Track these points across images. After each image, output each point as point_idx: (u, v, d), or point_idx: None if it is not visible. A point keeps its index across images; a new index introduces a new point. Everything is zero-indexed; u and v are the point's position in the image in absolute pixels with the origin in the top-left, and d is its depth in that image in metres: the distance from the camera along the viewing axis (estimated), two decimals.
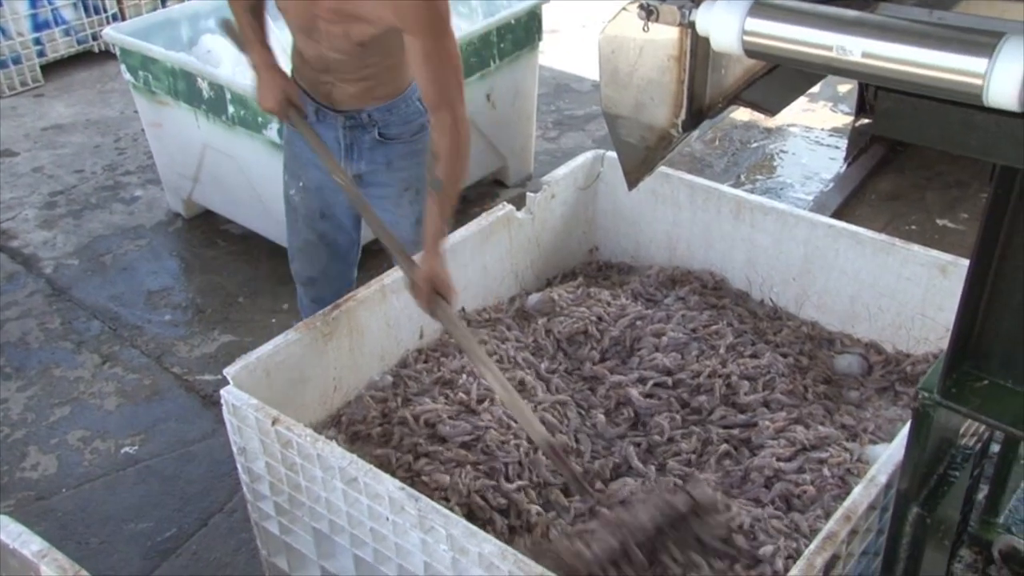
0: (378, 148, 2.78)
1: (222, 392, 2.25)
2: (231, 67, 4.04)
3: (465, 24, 4.40)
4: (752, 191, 4.73)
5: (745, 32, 1.16)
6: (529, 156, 4.89)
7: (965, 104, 1.19)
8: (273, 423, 2.16)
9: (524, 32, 4.35)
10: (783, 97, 1.32)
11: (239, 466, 2.35)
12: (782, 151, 5.29)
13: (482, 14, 4.63)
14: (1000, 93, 1.02)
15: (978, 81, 1.03)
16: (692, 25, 1.22)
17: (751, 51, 1.15)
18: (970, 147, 1.27)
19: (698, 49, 1.24)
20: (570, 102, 5.76)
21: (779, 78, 1.25)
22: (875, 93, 1.23)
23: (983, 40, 1.03)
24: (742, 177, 5.01)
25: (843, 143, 5.25)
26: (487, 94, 4.33)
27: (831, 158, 5.17)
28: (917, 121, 1.27)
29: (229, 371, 2.31)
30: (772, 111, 1.31)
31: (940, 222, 4.57)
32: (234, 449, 2.33)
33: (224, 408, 2.27)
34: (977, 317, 1.56)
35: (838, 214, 4.45)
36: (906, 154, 5.06)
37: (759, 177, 5.05)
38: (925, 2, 1.19)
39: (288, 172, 2.96)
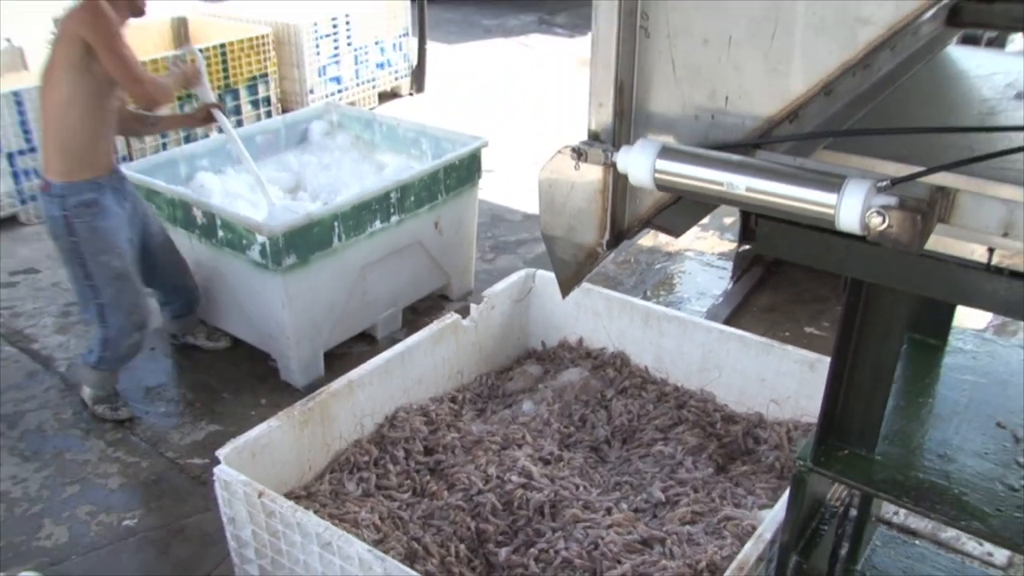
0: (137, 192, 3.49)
1: (215, 470, 2.26)
2: (220, 199, 4.10)
3: (417, 164, 4.53)
4: (657, 304, 4.86)
5: (656, 171, 1.26)
6: (470, 275, 4.97)
7: (824, 229, 1.31)
8: (259, 496, 2.17)
9: (466, 171, 4.48)
10: (686, 222, 1.42)
11: (228, 534, 2.35)
12: (680, 271, 5.45)
13: (431, 156, 4.76)
14: (847, 220, 1.13)
15: (831, 211, 1.14)
16: (614, 165, 1.33)
17: (661, 185, 1.25)
18: (829, 263, 1.38)
19: (618, 184, 1.34)
20: (504, 230, 5.88)
21: (682, 207, 1.36)
22: (755, 220, 1.32)
23: (833, 180, 1.15)
24: (648, 292, 5.15)
25: (729, 265, 5.43)
26: (435, 222, 4.43)
27: (720, 277, 5.34)
28: (788, 242, 1.39)
29: (221, 452, 2.32)
30: (677, 233, 1.41)
31: (808, 330, 4.73)
32: (224, 519, 2.33)
33: (216, 484, 2.28)
34: (839, 400, 1.67)
35: (727, 323, 4.60)
36: (780, 275, 5.25)
37: (662, 293, 5.19)
38: (790, 151, 1.31)
39: (120, 238, 3.34)
